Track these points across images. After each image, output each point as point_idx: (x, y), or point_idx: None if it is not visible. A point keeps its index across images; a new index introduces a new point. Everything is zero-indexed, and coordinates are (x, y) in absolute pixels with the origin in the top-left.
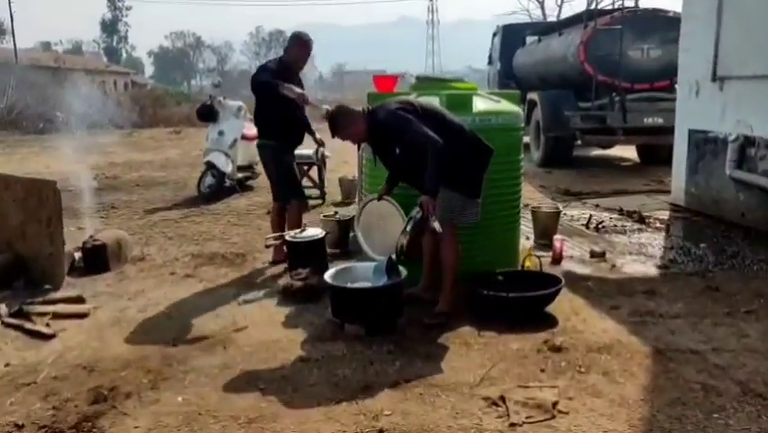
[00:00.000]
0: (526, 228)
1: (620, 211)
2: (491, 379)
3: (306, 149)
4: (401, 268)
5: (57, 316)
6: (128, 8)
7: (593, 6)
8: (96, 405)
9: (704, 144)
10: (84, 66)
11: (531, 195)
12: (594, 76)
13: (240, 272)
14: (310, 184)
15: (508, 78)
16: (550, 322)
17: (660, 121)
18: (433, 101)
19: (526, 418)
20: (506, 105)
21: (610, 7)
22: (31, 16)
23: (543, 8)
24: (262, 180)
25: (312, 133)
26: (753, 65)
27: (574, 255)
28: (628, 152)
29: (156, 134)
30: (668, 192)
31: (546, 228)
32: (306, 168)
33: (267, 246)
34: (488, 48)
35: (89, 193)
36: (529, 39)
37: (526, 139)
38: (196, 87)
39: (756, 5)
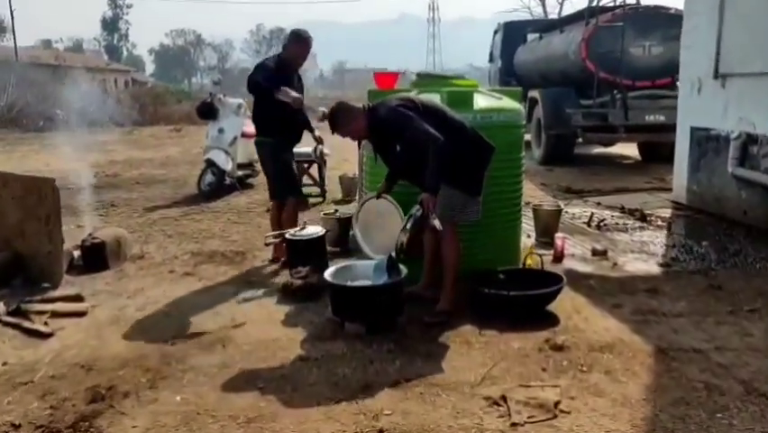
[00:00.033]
0: (528, 226)
1: (622, 209)
2: (492, 378)
3: (305, 147)
4: (401, 266)
5: (55, 314)
6: (129, 6)
7: (595, 3)
8: (94, 404)
9: (706, 142)
10: (84, 64)
11: (532, 193)
12: (595, 73)
13: (239, 271)
14: (310, 182)
15: (509, 75)
16: (551, 321)
17: (661, 118)
18: (434, 98)
19: (528, 417)
20: (507, 103)
21: (612, 4)
22: (31, 14)
23: (544, 5)
24: (262, 178)
25: (311, 131)
26: (755, 62)
27: (576, 253)
28: (630, 149)
29: (156, 132)
30: (670, 190)
31: (548, 226)
32: (306, 165)
33: (266, 244)
34: (489, 45)
35: (89, 191)
36: (530, 36)
37: (528, 136)
38: (197, 85)
39: (758, 2)
